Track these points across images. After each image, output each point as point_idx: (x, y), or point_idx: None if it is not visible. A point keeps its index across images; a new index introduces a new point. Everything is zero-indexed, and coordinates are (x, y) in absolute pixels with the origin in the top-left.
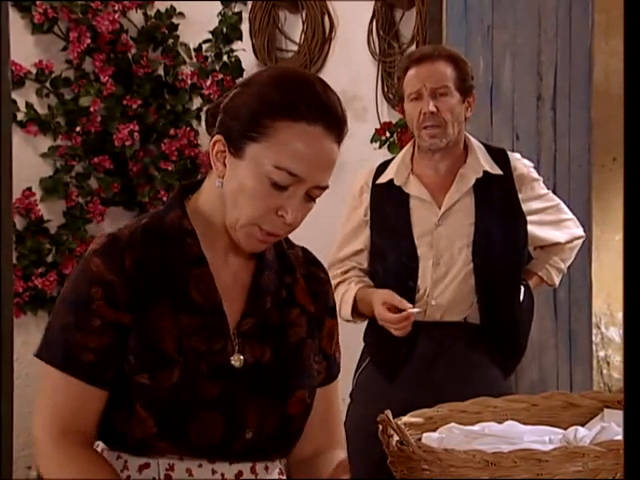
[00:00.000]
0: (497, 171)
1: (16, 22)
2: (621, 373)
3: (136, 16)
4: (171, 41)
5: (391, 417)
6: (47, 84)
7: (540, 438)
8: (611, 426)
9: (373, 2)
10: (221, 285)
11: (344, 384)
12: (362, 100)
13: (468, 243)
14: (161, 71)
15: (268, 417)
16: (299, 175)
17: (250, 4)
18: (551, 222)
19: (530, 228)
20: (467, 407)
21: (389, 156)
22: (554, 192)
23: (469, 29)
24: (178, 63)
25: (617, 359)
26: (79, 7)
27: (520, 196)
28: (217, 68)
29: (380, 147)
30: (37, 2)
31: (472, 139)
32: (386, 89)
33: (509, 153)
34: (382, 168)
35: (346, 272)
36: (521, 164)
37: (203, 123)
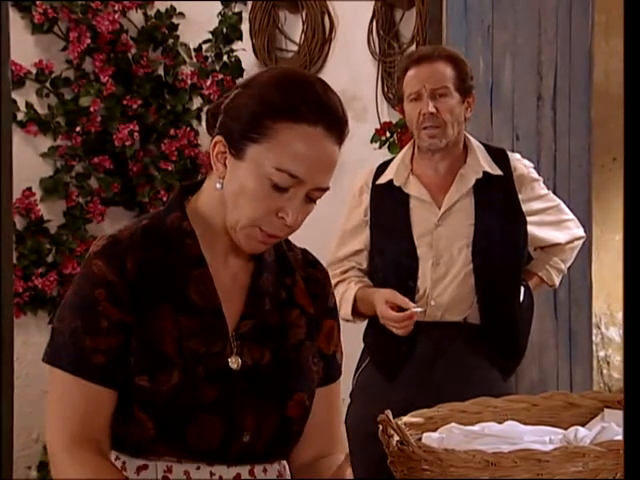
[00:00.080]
0: (497, 171)
1: (16, 22)
2: (621, 373)
3: (136, 16)
4: (171, 41)
5: (391, 417)
6: (47, 84)
7: (540, 438)
8: (611, 426)
9: (373, 2)
10: (220, 286)
11: (344, 384)
12: (362, 100)
13: (468, 243)
14: (161, 71)
15: (266, 420)
16: (300, 177)
17: (250, 4)
18: (551, 222)
19: (530, 229)
20: (467, 407)
21: (389, 156)
22: (554, 192)
23: (469, 29)
24: (178, 63)
25: (617, 359)
26: (79, 7)
27: (520, 196)
28: (217, 68)
29: (380, 147)
30: (37, 2)
31: (472, 139)
32: (386, 89)
33: (509, 153)
34: (382, 168)
35: (345, 272)
36: (521, 164)
37: (203, 123)
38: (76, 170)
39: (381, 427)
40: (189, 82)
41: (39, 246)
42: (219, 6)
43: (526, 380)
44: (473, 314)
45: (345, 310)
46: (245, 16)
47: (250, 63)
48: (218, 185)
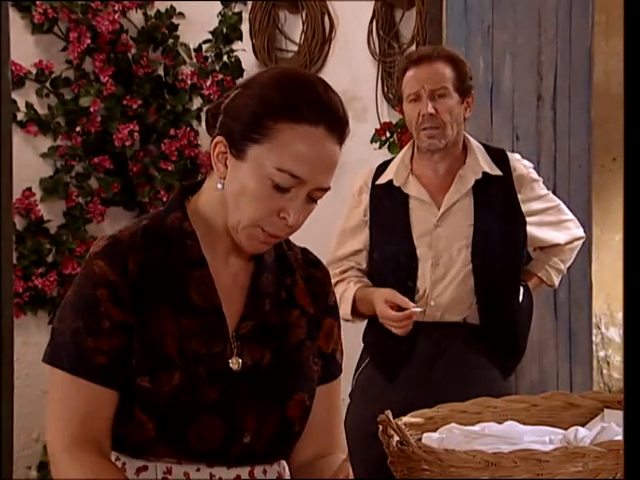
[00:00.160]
0: (496, 172)
1: (16, 22)
2: (621, 373)
3: (136, 16)
4: (171, 41)
5: (391, 417)
6: (47, 84)
7: (540, 438)
8: (611, 426)
9: (373, 2)
10: (221, 287)
11: (344, 384)
12: (362, 100)
13: (467, 244)
14: (161, 71)
15: (267, 420)
16: (301, 177)
17: (250, 4)
18: (551, 223)
19: (530, 229)
20: (467, 407)
21: (389, 156)
22: (554, 192)
23: (469, 29)
24: (178, 63)
25: (617, 359)
26: (79, 7)
27: (520, 197)
28: (217, 68)
29: (380, 147)
30: (37, 2)
31: (471, 140)
32: (386, 89)
33: (509, 154)
34: (382, 168)
35: (345, 272)
36: (521, 165)
37: (203, 123)
38: (76, 170)
39: (381, 427)
40: (189, 82)
41: (39, 246)
42: (219, 6)
43: (526, 380)
44: (472, 314)
45: (344, 310)
46: (245, 16)
47: (250, 63)
48: (219, 185)
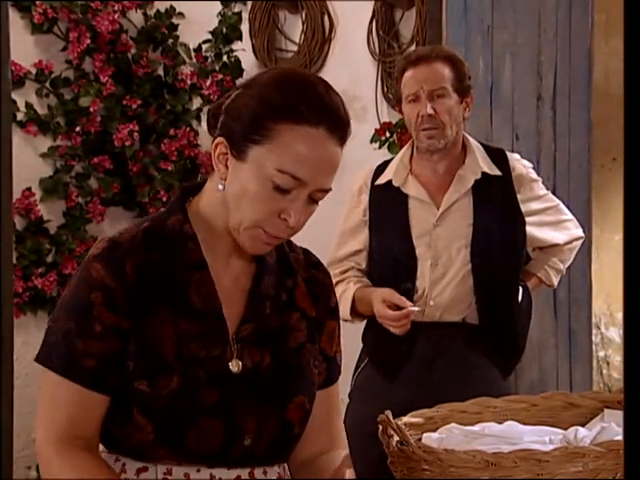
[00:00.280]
0: (496, 172)
1: (16, 22)
2: (621, 373)
3: (136, 16)
4: (171, 41)
5: (391, 417)
6: (47, 84)
7: (540, 438)
8: (611, 426)
9: (373, 2)
10: (221, 289)
11: (343, 384)
12: (362, 100)
13: (466, 244)
14: (161, 71)
15: (267, 423)
16: (302, 179)
17: (250, 4)
18: (550, 223)
19: (529, 229)
20: (467, 407)
21: (389, 156)
22: (554, 192)
23: (469, 29)
24: (178, 63)
25: (617, 359)
26: (79, 7)
27: (519, 197)
28: (217, 68)
29: (380, 147)
30: (37, 2)
31: (471, 140)
32: (386, 89)
33: (508, 153)
34: (381, 168)
35: (345, 272)
36: (520, 164)
37: (203, 123)
38: (76, 170)
39: (381, 427)
40: (189, 82)
41: (39, 246)
42: (219, 6)
43: (526, 380)
44: (472, 314)
45: (344, 310)
46: (245, 16)
47: (250, 63)
48: (220, 186)
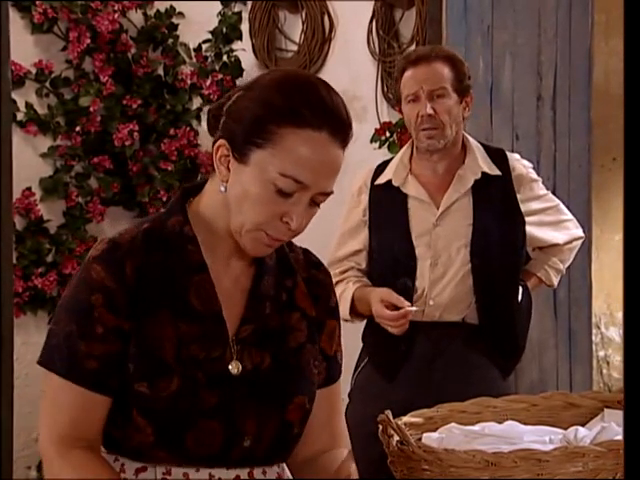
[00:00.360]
0: (495, 172)
1: (16, 22)
2: (621, 373)
3: (136, 16)
4: (171, 41)
5: (391, 417)
6: (47, 84)
7: (540, 438)
8: (611, 426)
9: (373, 2)
10: (221, 291)
11: (343, 384)
12: (362, 100)
13: (466, 243)
14: (161, 71)
15: (267, 424)
16: (304, 182)
17: (250, 4)
18: (550, 223)
19: (529, 229)
20: (467, 407)
21: (389, 156)
22: (554, 192)
23: (469, 29)
24: (178, 63)
25: (617, 359)
26: (79, 7)
27: (519, 197)
28: (217, 68)
29: (380, 147)
30: (37, 2)
31: (471, 139)
32: (386, 89)
33: (508, 153)
34: (381, 168)
35: (344, 272)
36: (520, 164)
37: (203, 123)
38: (76, 170)
39: (381, 427)
40: (189, 82)
41: (39, 246)
42: (219, 6)
43: (526, 380)
44: (471, 314)
45: (343, 309)
46: (245, 16)
47: (250, 63)
48: (222, 188)
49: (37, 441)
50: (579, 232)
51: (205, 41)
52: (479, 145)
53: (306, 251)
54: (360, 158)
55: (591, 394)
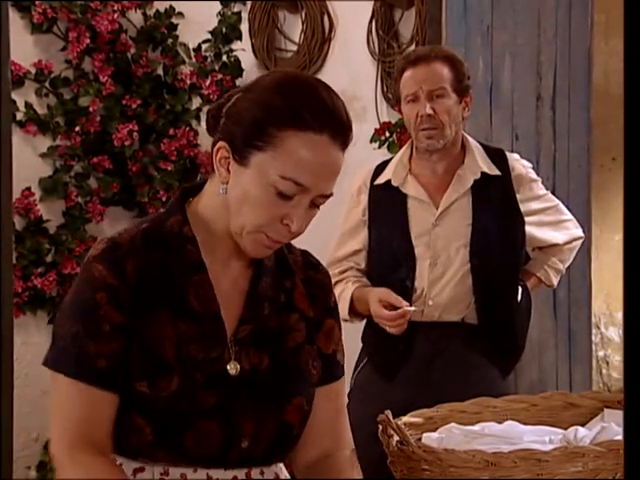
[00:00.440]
0: (495, 172)
1: (15, 22)
2: (620, 373)
3: (135, 16)
4: (170, 41)
5: (391, 417)
6: (46, 84)
7: (540, 438)
8: (611, 426)
9: (372, 2)
10: (220, 291)
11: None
12: (361, 100)
13: (465, 243)
14: (160, 71)
15: (265, 425)
16: (305, 185)
17: (249, 4)
18: (550, 223)
19: (529, 229)
20: (467, 407)
21: (389, 156)
22: (553, 192)
23: (468, 29)
24: (177, 63)
25: (616, 359)
26: (78, 7)
27: (518, 197)
28: (216, 68)
29: (379, 147)
30: (36, 2)
31: (470, 139)
32: (385, 89)
33: (507, 153)
34: (380, 168)
35: (344, 272)
36: (519, 164)
37: (203, 123)
38: (75, 170)
39: (381, 427)
40: (188, 82)
41: (38, 246)
42: (218, 6)
43: (525, 380)
44: (471, 314)
45: (342, 309)
46: (244, 16)
47: (249, 63)
48: (221, 190)
49: (37, 441)
50: (579, 232)
51: (205, 41)
52: (478, 145)
53: (305, 252)
54: (360, 158)
55: (591, 394)
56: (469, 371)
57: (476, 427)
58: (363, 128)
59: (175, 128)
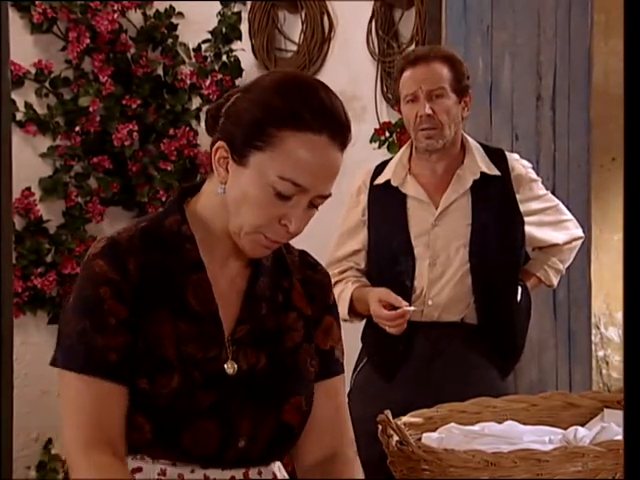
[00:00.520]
0: (494, 172)
1: (15, 22)
2: (620, 373)
3: (135, 16)
4: (170, 41)
5: (391, 417)
6: (46, 84)
7: (540, 438)
8: (611, 426)
9: (372, 2)
10: (218, 291)
11: None
12: (361, 100)
13: (465, 243)
14: (160, 71)
15: (262, 425)
16: (303, 186)
17: (249, 4)
18: (550, 223)
19: (529, 229)
20: (467, 407)
21: (388, 156)
22: (553, 192)
23: (468, 29)
24: (177, 63)
25: (616, 359)
26: (78, 7)
27: (518, 197)
28: (216, 68)
29: (379, 147)
30: (36, 2)
31: (470, 139)
32: (385, 89)
33: (507, 153)
34: (380, 168)
35: (343, 272)
36: (519, 164)
37: (203, 123)
38: (75, 170)
39: (381, 427)
40: (188, 82)
41: (38, 246)
42: (218, 6)
43: (525, 380)
44: (470, 314)
45: (342, 309)
46: (244, 16)
47: (249, 63)
48: (220, 190)
49: (36, 441)
50: (579, 232)
51: (204, 41)
52: (478, 145)
53: (303, 253)
54: (359, 158)
55: (590, 394)
56: (469, 371)
57: (476, 427)
58: (363, 128)
59: (175, 128)
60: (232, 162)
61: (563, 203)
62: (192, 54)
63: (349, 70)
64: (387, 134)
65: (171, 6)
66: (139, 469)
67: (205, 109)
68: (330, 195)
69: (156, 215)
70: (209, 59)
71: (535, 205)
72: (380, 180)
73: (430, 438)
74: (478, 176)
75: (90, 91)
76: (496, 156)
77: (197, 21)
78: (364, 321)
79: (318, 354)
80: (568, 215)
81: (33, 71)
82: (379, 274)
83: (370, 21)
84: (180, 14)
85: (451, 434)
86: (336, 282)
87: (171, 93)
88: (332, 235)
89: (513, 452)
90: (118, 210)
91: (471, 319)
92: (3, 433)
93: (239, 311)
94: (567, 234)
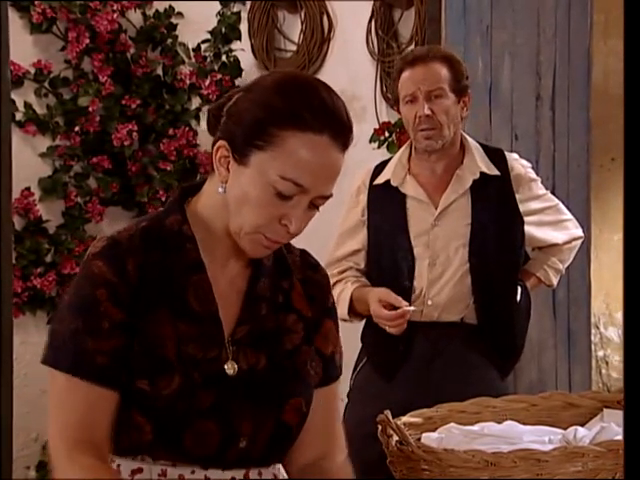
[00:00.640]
0: (494, 172)
1: (15, 22)
2: (620, 373)
3: (135, 16)
4: (170, 41)
5: (390, 417)
6: (46, 84)
7: (540, 438)
8: (611, 426)
9: (372, 2)
10: (218, 291)
11: (342, 384)
12: (361, 100)
13: (464, 243)
14: (160, 71)
15: (263, 425)
16: (304, 186)
17: (249, 4)
18: (550, 223)
19: (528, 229)
20: (466, 407)
21: (388, 156)
22: (553, 192)
23: (468, 29)
24: (177, 63)
25: (616, 359)
26: (78, 7)
27: (518, 196)
28: (216, 68)
29: (379, 147)
30: (36, 2)
31: (469, 139)
32: (385, 89)
33: (507, 153)
34: (379, 168)
35: (343, 272)
36: (518, 164)
37: (202, 123)
38: (75, 170)
39: (380, 427)
40: (188, 82)
41: (38, 246)
42: (218, 6)
43: (525, 380)
44: (470, 314)
45: (341, 309)
46: (244, 16)
47: (249, 63)
48: (221, 189)
49: (36, 441)
50: (579, 232)
51: (204, 41)
52: (478, 145)
53: (304, 252)
54: (359, 158)
55: (590, 394)
56: (468, 371)
57: (475, 427)
58: (362, 128)
59: (174, 128)
60: (233, 161)
61: (563, 203)
62: (192, 54)
63: (348, 70)
64: (387, 134)
65: (170, 6)
66: (139, 470)
67: (205, 109)
68: (331, 196)
69: (156, 215)
70: (209, 59)
71: (535, 205)
72: (380, 180)
73: (430, 438)
74: (477, 176)
75: (90, 91)
76: (496, 156)
77: (197, 21)
78: (364, 321)
79: (321, 359)
80: (568, 215)
81: (32, 71)
82: (379, 274)
83: (370, 21)
84: (180, 14)
85: (451, 434)
86: (336, 282)
87: (171, 93)
88: (332, 235)
89: (513, 452)
90: (118, 210)
91: (471, 319)
92: (3, 433)
93: (239, 311)
94: (567, 234)
